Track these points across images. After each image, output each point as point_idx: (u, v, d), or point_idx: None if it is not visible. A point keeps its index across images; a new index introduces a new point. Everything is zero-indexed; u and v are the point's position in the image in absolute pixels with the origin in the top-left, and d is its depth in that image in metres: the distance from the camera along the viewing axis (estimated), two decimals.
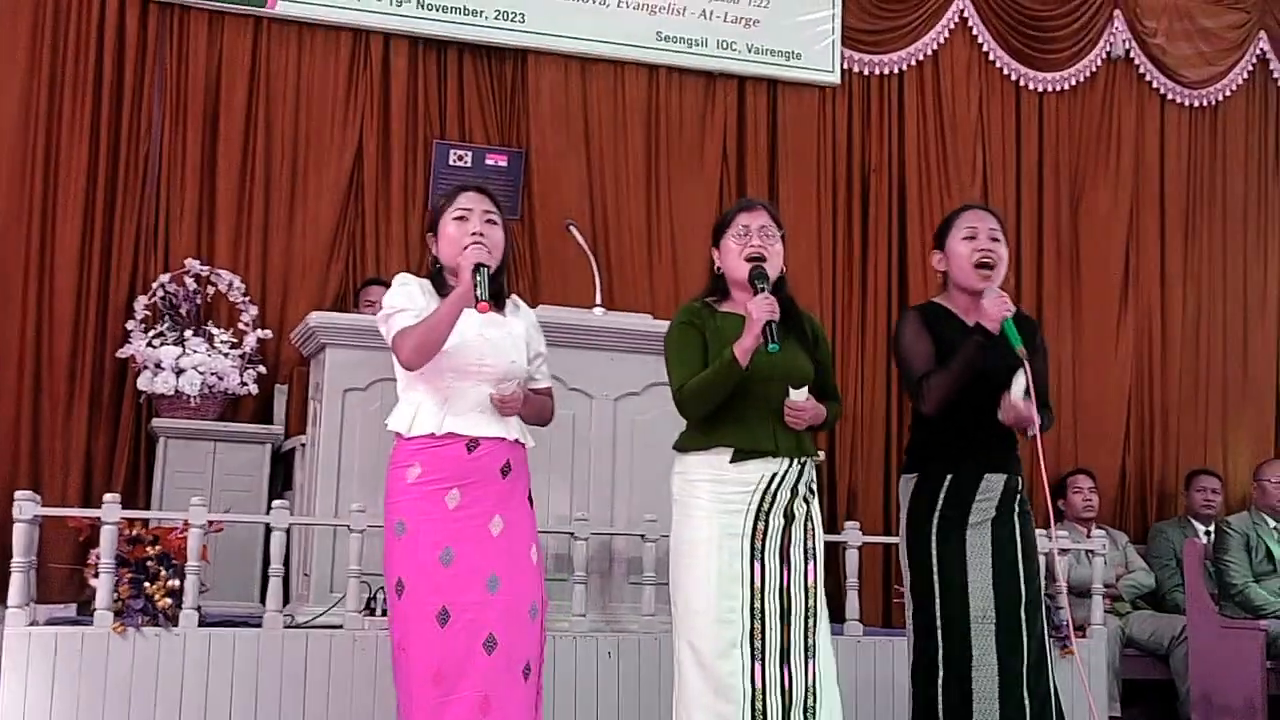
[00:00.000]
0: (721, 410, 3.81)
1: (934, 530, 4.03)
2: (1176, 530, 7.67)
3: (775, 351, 3.70)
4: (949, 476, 4.05)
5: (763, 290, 3.78)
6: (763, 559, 3.77)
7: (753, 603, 3.74)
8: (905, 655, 4.18)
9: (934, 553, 4.03)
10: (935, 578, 4.02)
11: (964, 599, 3.97)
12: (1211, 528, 7.39)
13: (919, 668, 4.05)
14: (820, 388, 3.94)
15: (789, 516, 3.84)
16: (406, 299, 3.75)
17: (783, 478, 3.83)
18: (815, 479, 3.98)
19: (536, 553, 3.80)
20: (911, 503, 4.12)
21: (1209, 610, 6.59)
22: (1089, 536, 7.01)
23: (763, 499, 3.80)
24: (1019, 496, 4.11)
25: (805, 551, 3.86)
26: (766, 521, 3.80)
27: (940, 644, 3.99)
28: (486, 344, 3.73)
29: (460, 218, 3.79)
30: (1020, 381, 3.92)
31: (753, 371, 3.74)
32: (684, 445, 3.91)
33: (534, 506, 3.88)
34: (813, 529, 3.90)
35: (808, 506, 3.90)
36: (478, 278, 3.61)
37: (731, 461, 3.81)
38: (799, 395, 3.80)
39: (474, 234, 3.74)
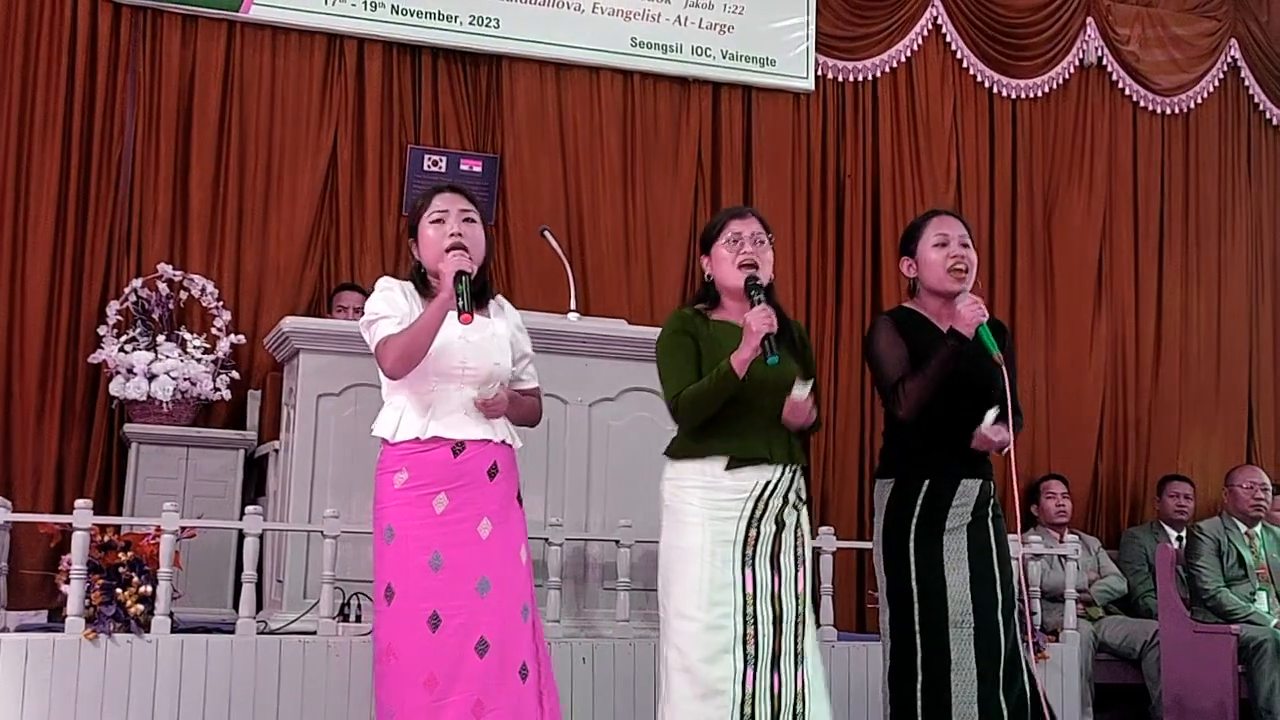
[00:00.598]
0: (716, 418, 3.82)
1: (912, 534, 4.05)
2: (1148, 535, 7.70)
3: (774, 364, 3.72)
4: (926, 482, 4.07)
5: (759, 301, 3.80)
6: (754, 565, 3.80)
7: (745, 609, 3.77)
8: (879, 660, 4.18)
9: (912, 557, 4.04)
10: (913, 582, 4.03)
11: (942, 603, 3.99)
12: (1183, 533, 7.43)
13: (896, 672, 4.05)
14: None
15: (779, 524, 3.86)
16: (388, 305, 3.75)
17: (775, 485, 3.85)
18: (805, 487, 4.00)
19: (526, 554, 3.80)
20: (888, 508, 4.13)
21: (1181, 615, 6.61)
22: (1062, 541, 7.03)
23: (755, 506, 3.82)
24: (992, 502, 4.13)
25: (795, 558, 3.89)
26: (758, 529, 3.82)
27: (919, 647, 4.00)
28: (469, 347, 3.73)
29: (437, 220, 3.79)
30: (990, 416, 3.95)
31: (747, 380, 3.76)
32: (677, 452, 3.93)
33: (523, 507, 3.87)
34: (802, 536, 3.94)
35: (797, 514, 3.93)
36: (459, 288, 3.60)
37: (726, 469, 3.83)
38: (802, 392, 3.81)
39: (453, 234, 3.74)
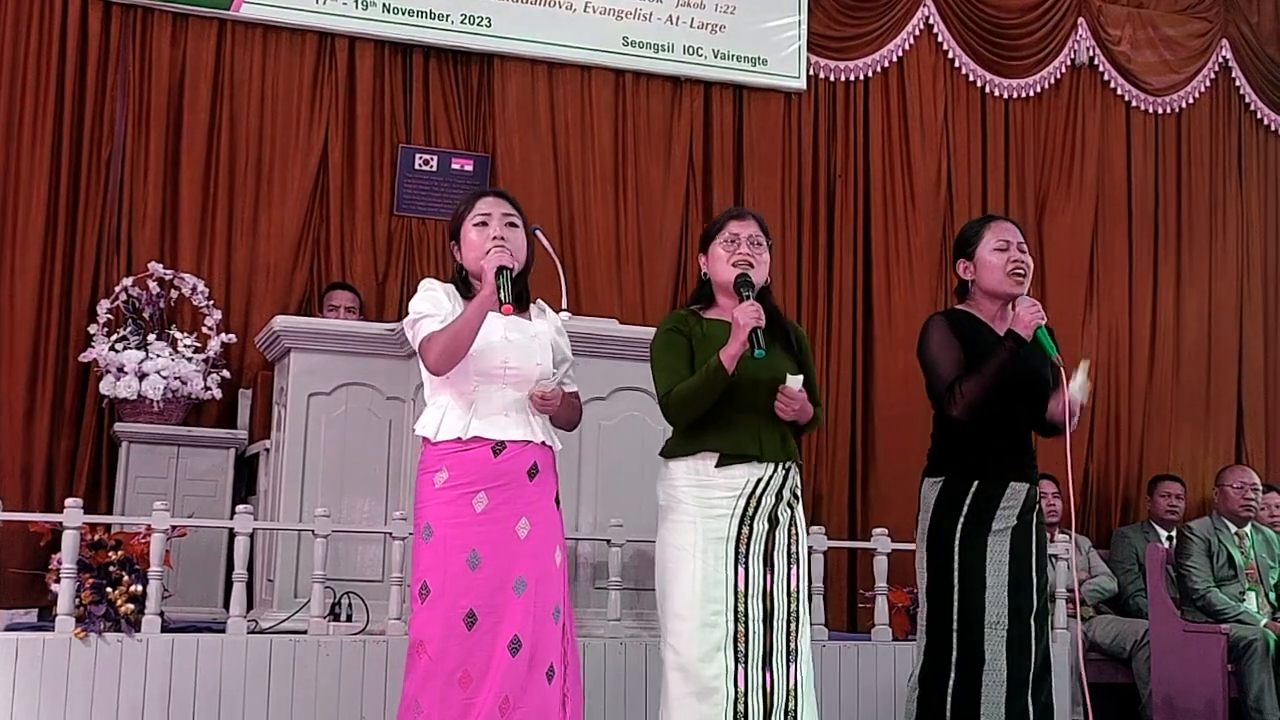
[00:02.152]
0: (707, 416, 3.84)
1: (958, 534, 4.06)
2: (1139, 535, 7.71)
3: (762, 357, 3.73)
4: (976, 482, 4.09)
5: (748, 297, 3.82)
6: (746, 563, 3.81)
7: (737, 606, 3.78)
8: (871, 660, 4.19)
9: (956, 556, 4.06)
10: (955, 581, 4.05)
11: (980, 604, 4.02)
12: (1173, 533, 7.44)
13: (930, 668, 4.07)
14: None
15: (773, 521, 3.87)
16: (432, 304, 3.78)
17: (768, 483, 3.86)
18: (799, 484, 4.00)
19: (561, 555, 3.81)
20: (936, 506, 4.14)
21: (1171, 614, 6.63)
22: (1052, 541, 7.04)
23: (748, 504, 3.84)
24: (1038, 507, 4.18)
25: (788, 556, 3.89)
26: (751, 526, 3.83)
27: (954, 647, 4.02)
28: (511, 347, 3.76)
29: (481, 223, 3.82)
30: (1082, 372, 4.02)
31: (738, 377, 3.78)
32: (670, 451, 3.95)
33: (561, 508, 3.88)
34: (796, 534, 3.93)
35: (791, 511, 3.93)
36: (500, 280, 3.64)
37: (717, 466, 3.84)
38: (794, 383, 3.83)
39: (495, 238, 3.77)
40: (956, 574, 4.05)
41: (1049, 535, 7.18)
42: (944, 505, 4.12)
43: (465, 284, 3.86)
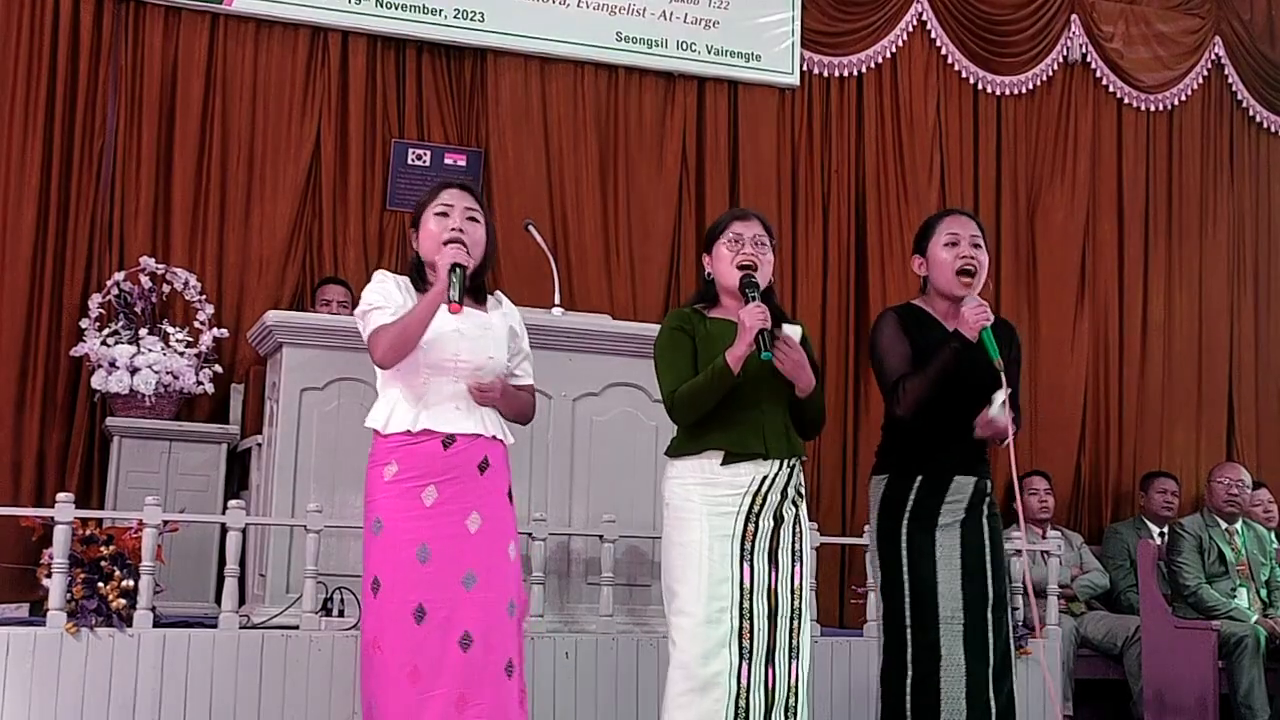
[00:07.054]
0: (712, 415, 3.84)
1: (904, 530, 4.05)
2: (1131, 531, 7.73)
3: (768, 359, 3.73)
4: (919, 478, 4.07)
5: (753, 299, 3.82)
6: (752, 560, 3.82)
7: (742, 603, 3.78)
8: (863, 655, 4.19)
9: (904, 553, 4.04)
10: (905, 578, 4.03)
11: (933, 599, 4.00)
12: (1165, 529, 7.45)
13: (888, 668, 4.06)
14: None
15: (778, 519, 3.88)
16: (382, 296, 3.77)
17: (773, 480, 3.87)
18: (804, 481, 4.01)
19: (515, 550, 3.80)
20: (882, 503, 4.13)
21: (1162, 611, 6.64)
22: (1044, 538, 7.05)
23: (753, 501, 3.84)
24: (988, 499, 4.14)
25: (793, 554, 3.90)
26: (756, 524, 3.84)
27: (909, 645, 4.01)
28: (463, 339, 3.74)
29: (441, 214, 3.81)
30: (999, 399, 3.96)
31: (742, 377, 3.78)
32: (675, 450, 3.95)
33: (514, 503, 3.87)
34: (800, 532, 3.94)
35: (796, 509, 3.94)
36: (452, 278, 3.62)
37: (722, 464, 3.85)
38: (793, 332, 3.84)
39: (453, 229, 3.75)
40: (906, 570, 4.03)
41: (1041, 532, 7.25)
42: (889, 502, 4.11)
43: (420, 274, 3.85)
